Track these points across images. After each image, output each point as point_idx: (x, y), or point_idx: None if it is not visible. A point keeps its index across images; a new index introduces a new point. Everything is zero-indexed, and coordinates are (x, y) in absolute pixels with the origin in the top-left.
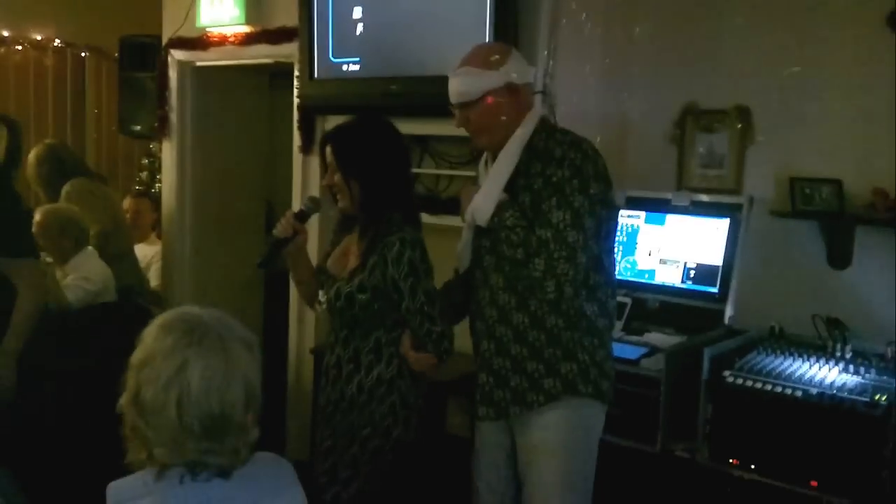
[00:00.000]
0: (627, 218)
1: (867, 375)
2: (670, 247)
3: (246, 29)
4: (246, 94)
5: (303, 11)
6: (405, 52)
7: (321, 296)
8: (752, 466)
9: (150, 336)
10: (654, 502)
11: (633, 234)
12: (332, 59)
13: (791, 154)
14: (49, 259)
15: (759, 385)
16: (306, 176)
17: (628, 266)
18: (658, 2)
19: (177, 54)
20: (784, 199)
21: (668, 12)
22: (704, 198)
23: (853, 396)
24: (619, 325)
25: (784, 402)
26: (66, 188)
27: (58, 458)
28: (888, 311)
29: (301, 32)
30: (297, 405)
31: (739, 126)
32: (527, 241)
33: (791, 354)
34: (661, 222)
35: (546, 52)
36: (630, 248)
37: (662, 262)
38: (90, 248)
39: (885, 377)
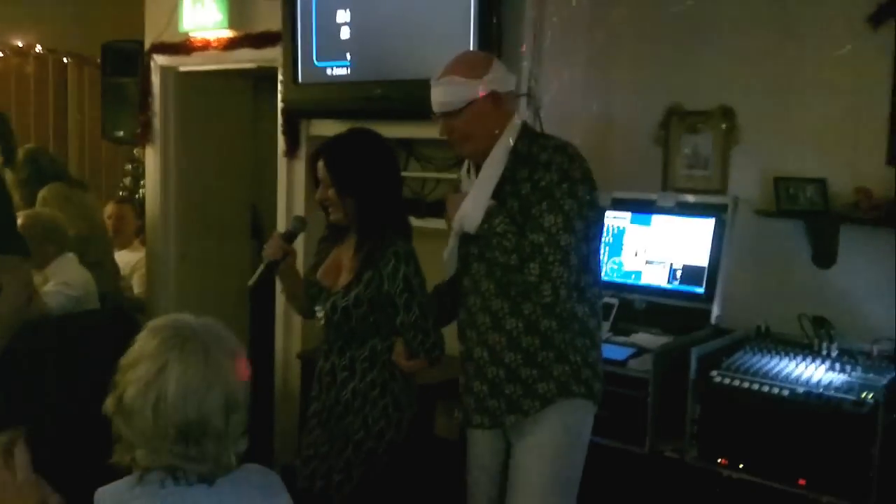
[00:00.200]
0: (613, 219)
1: (853, 374)
2: (656, 247)
3: (229, 33)
4: (230, 99)
5: (286, 15)
6: (390, 55)
7: (318, 311)
8: (741, 466)
9: (140, 339)
10: (643, 503)
11: (619, 235)
12: (316, 63)
13: (775, 154)
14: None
15: (746, 384)
16: (291, 180)
17: (615, 267)
18: (641, 4)
19: (159, 59)
20: (769, 198)
21: (652, 14)
22: (690, 198)
23: (840, 395)
24: (606, 325)
25: (771, 402)
26: (42, 193)
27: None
28: (873, 309)
29: (284, 37)
30: (285, 411)
31: (724, 126)
32: (519, 246)
33: (778, 353)
34: (647, 223)
35: (530, 55)
36: (616, 249)
37: (649, 262)
38: (70, 253)
39: (871, 375)
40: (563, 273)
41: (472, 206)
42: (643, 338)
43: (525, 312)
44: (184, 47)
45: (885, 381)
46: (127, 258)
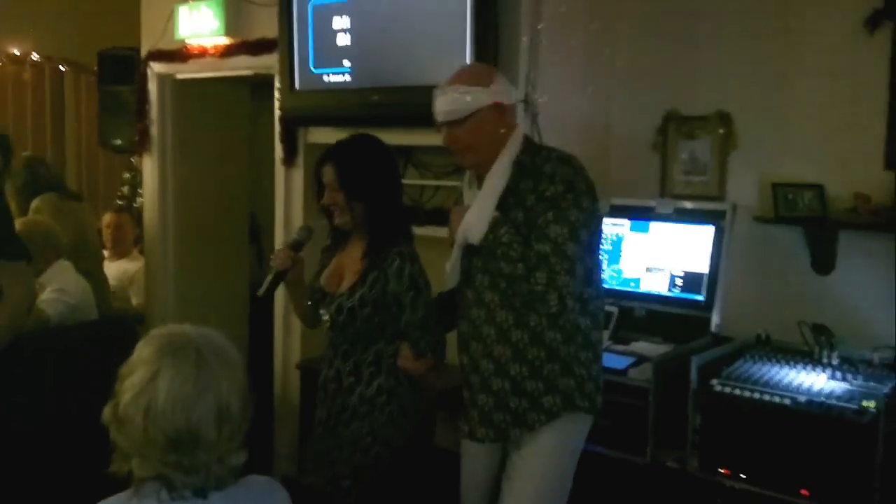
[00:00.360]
0: (612, 226)
1: (855, 382)
2: (655, 255)
3: (226, 40)
4: (227, 107)
5: (283, 22)
6: (387, 62)
7: (323, 314)
8: (743, 476)
9: (138, 347)
10: None
11: (617, 242)
12: (313, 70)
13: (773, 159)
14: None
15: (747, 393)
16: (289, 188)
17: (614, 275)
18: (638, 10)
19: (156, 67)
20: (767, 204)
21: (648, 20)
22: (688, 205)
23: (841, 403)
24: (606, 334)
25: (772, 411)
26: (35, 202)
27: (34, 471)
28: (873, 316)
29: (281, 44)
30: (285, 421)
31: (721, 132)
32: (525, 255)
33: (778, 362)
34: (646, 230)
35: (526, 61)
36: (615, 256)
37: (648, 270)
38: (66, 261)
39: (872, 383)
40: (570, 282)
41: (477, 218)
42: (643, 346)
43: (531, 324)
44: (180, 55)
45: (886, 389)
46: (125, 267)
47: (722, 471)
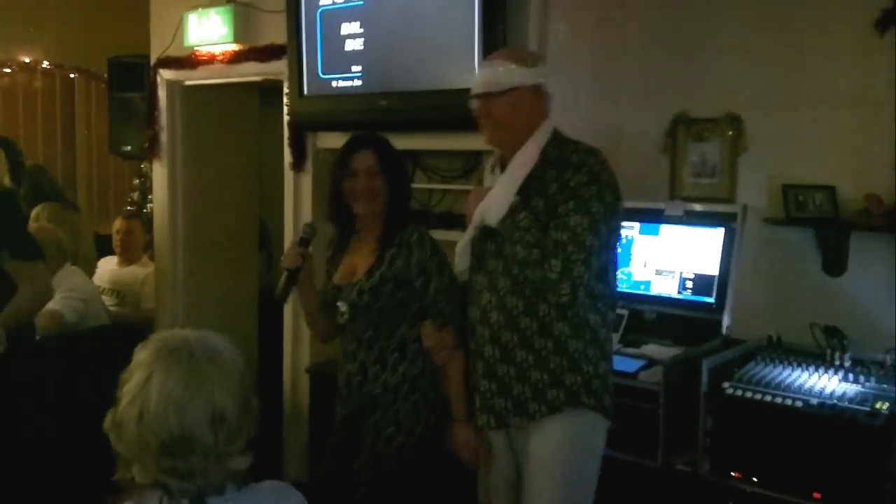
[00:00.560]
0: (621, 229)
1: (867, 384)
2: (665, 257)
3: (234, 47)
4: (236, 113)
5: (291, 28)
6: (395, 67)
7: (341, 306)
8: (755, 479)
9: (136, 351)
10: None
11: (627, 245)
12: (321, 75)
13: (783, 161)
14: None
15: (758, 396)
16: (298, 193)
17: (623, 277)
18: (647, 12)
19: (165, 74)
20: (777, 206)
21: (658, 22)
22: (698, 207)
23: (854, 406)
24: (616, 337)
25: (784, 413)
26: (35, 210)
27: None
28: (885, 318)
29: (290, 50)
30: (294, 425)
31: (731, 134)
32: (542, 242)
33: (790, 364)
34: (656, 233)
35: None
36: (625, 259)
37: (658, 272)
38: (73, 266)
39: (885, 385)
40: (584, 273)
41: (496, 200)
42: (653, 349)
43: (539, 313)
44: (189, 61)
45: None
46: (136, 273)
47: (733, 474)
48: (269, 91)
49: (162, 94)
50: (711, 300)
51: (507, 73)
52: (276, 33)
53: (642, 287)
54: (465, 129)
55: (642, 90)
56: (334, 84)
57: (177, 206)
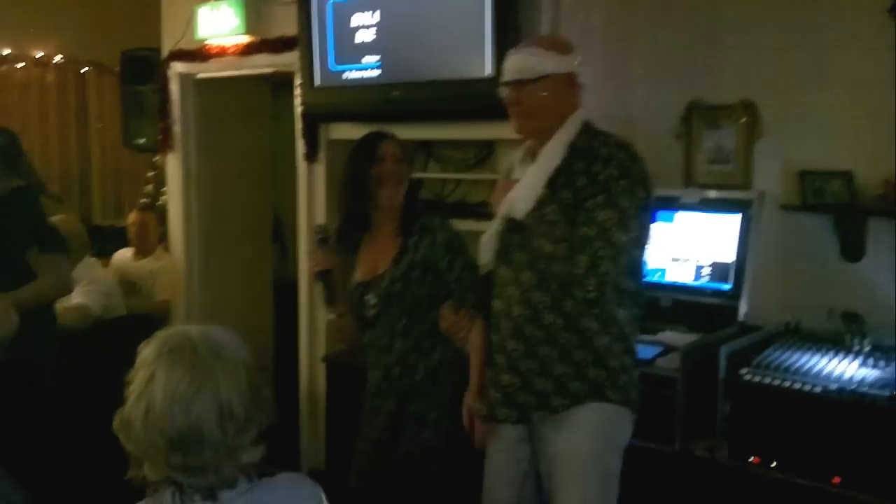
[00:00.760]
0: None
1: (887, 369)
2: (681, 244)
3: (246, 39)
4: (248, 104)
5: (302, 20)
6: (407, 57)
7: (370, 299)
8: (773, 464)
9: (140, 349)
10: (674, 502)
11: None
12: (333, 66)
13: (800, 147)
14: None
15: (777, 382)
16: (311, 184)
17: None
18: None
19: (177, 66)
20: (794, 192)
21: (671, 7)
22: (713, 194)
23: (874, 391)
24: None
25: (803, 399)
26: None
27: (63, 465)
28: None
29: (301, 41)
30: (311, 414)
31: (746, 120)
32: (569, 237)
33: (808, 350)
34: (671, 220)
35: None
36: None
37: (674, 260)
38: (92, 258)
39: None
40: (611, 270)
41: (524, 192)
42: (670, 336)
43: (566, 309)
44: (201, 54)
45: None
46: (150, 266)
47: (752, 459)
48: (281, 82)
49: (174, 86)
50: (728, 287)
51: (539, 59)
52: (287, 25)
53: (658, 274)
54: (477, 119)
55: (656, 77)
56: (346, 75)
57: (190, 199)
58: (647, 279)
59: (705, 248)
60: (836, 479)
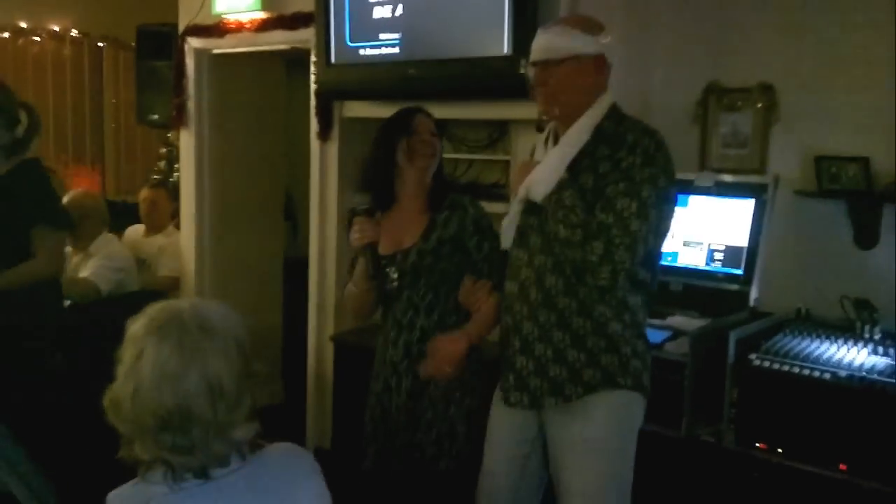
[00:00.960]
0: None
1: None
2: (694, 229)
3: (262, 15)
4: (263, 81)
5: None
6: (423, 35)
7: (391, 272)
8: (780, 450)
9: (128, 326)
10: (679, 487)
11: None
12: (349, 43)
13: (817, 132)
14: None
15: (786, 368)
16: (324, 161)
17: None
18: None
19: (193, 42)
20: (810, 178)
21: None
22: (728, 178)
23: (884, 378)
24: None
25: (812, 385)
26: None
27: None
28: None
29: (317, 17)
30: (318, 393)
31: (763, 104)
32: (586, 223)
33: (818, 336)
34: (685, 204)
35: None
36: None
37: (686, 244)
38: (110, 233)
39: None
40: (626, 259)
41: (544, 175)
42: (679, 320)
43: (579, 295)
44: (217, 30)
45: None
46: (161, 242)
47: (759, 445)
48: (296, 59)
49: (189, 62)
50: (740, 272)
51: (567, 39)
52: (303, 1)
53: (669, 258)
54: (494, 98)
55: (673, 60)
56: (362, 52)
57: (203, 175)
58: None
59: (718, 233)
60: (843, 466)
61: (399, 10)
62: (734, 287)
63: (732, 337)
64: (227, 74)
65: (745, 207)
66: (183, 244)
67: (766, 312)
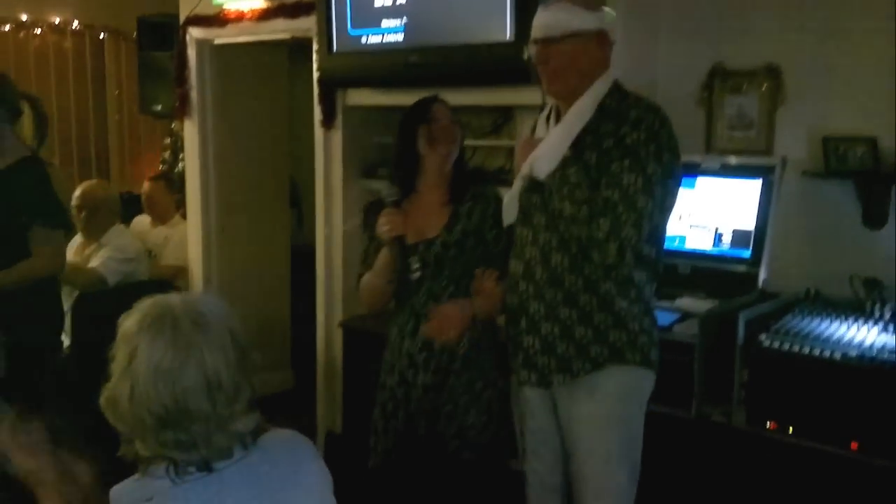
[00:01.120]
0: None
1: None
2: (701, 211)
3: (263, 4)
4: (265, 70)
5: None
6: (425, 22)
7: (413, 262)
8: (790, 430)
9: (120, 323)
10: (690, 468)
11: None
12: (350, 31)
13: (823, 113)
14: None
15: (796, 348)
16: (328, 149)
17: None
18: None
19: (194, 32)
20: (817, 159)
21: None
22: (734, 160)
23: (894, 357)
24: None
25: (823, 365)
26: None
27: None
28: None
29: (318, 5)
30: (328, 379)
31: (769, 86)
32: (592, 199)
33: (828, 316)
34: (691, 186)
35: None
36: None
37: (693, 226)
38: (122, 225)
39: None
40: (633, 235)
41: (548, 152)
42: (688, 302)
43: (585, 272)
44: (218, 19)
45: None
46: (165, 233)
47: (769, 425)
48: (298, 48)
49: (191, 52)
50: (748, 254)
51: (568, 16)
52: None
53: (677, 241)
54: (497, 84)
55: (677, 41)
56: (364, 40)
57: (208, 165)
58: (667, 246)
59: (725, 215)
60: (854, 445)
61: None
62: (742, 269)
63: (742, 318)
64: (230, 64)
65: (752, 189)
66: (189, 233)
67: (775, 293)
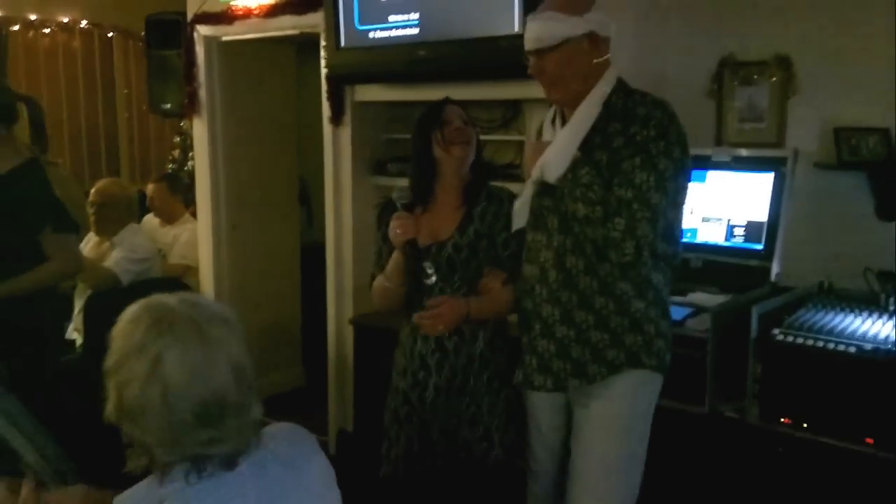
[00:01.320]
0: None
1: None
2: (712, 204)
3: (270, 0)
4: (273, 67)
5: None
6: (433, 16)
7: (427, 266)
8: (805, 425)
9: (119, 335)
10: (703, 463)
11: None
12: (358, 27)
13: (835, 104)
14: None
15: (810, 342)
16: (337, 146)
17: None
18: None
19: (202, 30)
20: (829, 150)
21: None
22: (745, 153)
23: None
24: None
25: (837, 359)
26: None
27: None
28: None
29: (325, 1)
30: (339, 376)
31: (780, 77)
32: (605, 199)
33: (842, 310)
34: (702, 179)
35: None
36: None
37: (705, 220)
38: (136, 224)
39: None
40: (649, 233)
41: (557, 155)
42: (700, 297)
43: (601, 273)
44: (225, 16)
45: None
46: (174, 232)
47: (783, 420)
48: (306, 44)
49: (199, 50)
50: (760, 247)
51: (556, 25)
52: None
53: (688, 235)
54: (506, 78)
55: (687, 33)
56: (371, 35)
57: (217, 163)
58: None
59: (737, 208)
60: (869, 440)
61: None
62: (755, 262)
63: (755, 312)
64: (238, 61)
65: (764, 181)
66: (200, 232)
67: (788, 287)
